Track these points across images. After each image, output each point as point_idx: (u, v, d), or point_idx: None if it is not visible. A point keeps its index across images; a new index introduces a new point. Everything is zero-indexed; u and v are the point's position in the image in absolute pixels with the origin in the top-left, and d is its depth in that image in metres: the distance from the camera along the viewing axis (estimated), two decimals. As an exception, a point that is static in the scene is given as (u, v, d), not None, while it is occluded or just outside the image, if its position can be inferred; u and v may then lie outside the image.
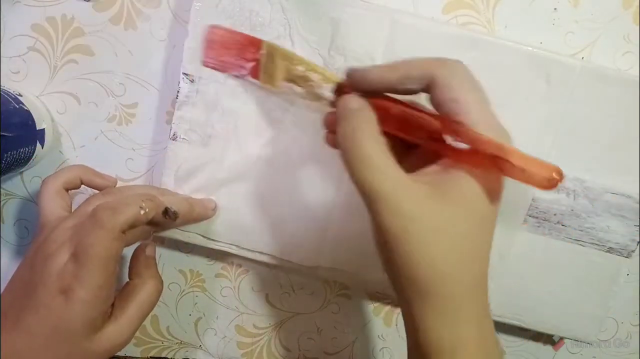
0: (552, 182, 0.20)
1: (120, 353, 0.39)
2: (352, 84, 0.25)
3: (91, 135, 0.35)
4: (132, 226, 0.25)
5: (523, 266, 0.34)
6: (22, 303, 0.25)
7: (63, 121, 0.35)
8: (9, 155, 0.30)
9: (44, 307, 0.25)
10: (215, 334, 0.39)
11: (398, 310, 0.38)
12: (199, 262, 0.38)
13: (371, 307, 0.38)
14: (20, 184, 0.36)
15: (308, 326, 0.39)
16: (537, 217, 0.33)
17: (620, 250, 0.34)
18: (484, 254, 0.23)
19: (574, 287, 0.34)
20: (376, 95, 0.24)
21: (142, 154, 0.35)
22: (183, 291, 0.38)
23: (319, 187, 0.33)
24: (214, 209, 0.33)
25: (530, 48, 0.31)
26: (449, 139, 0.22)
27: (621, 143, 0.32)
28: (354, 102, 0.24)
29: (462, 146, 0.22)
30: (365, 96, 0.24)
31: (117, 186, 0.33)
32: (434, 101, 0.23)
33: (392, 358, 0.39)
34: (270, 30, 0.31)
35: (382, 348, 0.39)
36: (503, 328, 0.38)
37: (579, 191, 0.33)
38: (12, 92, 0.32)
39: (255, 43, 0.29)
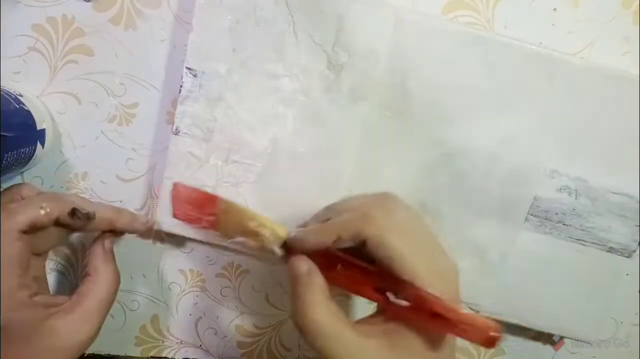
0: (490, 340, 0.21)
1: (121, 353, 0.39)
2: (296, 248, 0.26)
3: (92, 135, 0.35)
4: (34, 226, 0.26)
5: (524, 265, 0.34)
6: None
7: (63, 121, 0.35)
8: (9, 155, 0.30)
9: None
10: (215, 334, 0.39)
11: (398, 310, 0.38)
12: (200, 262, 0.38)
13: (370, 306, 0.38)
14: (21, 184, 0.36)
15: (308, 326, 0.39)
16: (538, 216, 0.33)
17: (621, 250, 0.34)
18: None
19: (574, 286, 0.34)
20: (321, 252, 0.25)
21: (143, 154, 0.35)
22: (183, 290, 0.38)
23: (321, 181, 0.33)
24: (145, 224, 0.33)
25: (533, 46, 0.31)
26: (391, 296, 0.23)
27: (623, 143, 0.32)
28: (301, 266, 0.25)
29: (404, 302, 0.23)
30: (313, 254, 0.25)
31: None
32: (372, 256, 0.24)
33: (392, 357, 0.39)
34: (274, 26, 0.31)
35: (383, 347, 0.39)
36: (503, 327, 0.38)
37: (580, 190, 0.33)
38: (12, 92, 0.32)
39: (213, 200, 0.29)
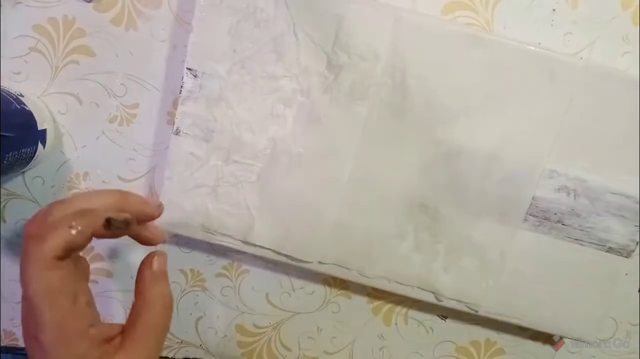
0: None
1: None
2: None
3: (92, 135, 0.35)
4: (69, 249, 0.23)
5: (523, 265, 0.34)
6: None
7: (64, 121, 0.35)
8: (10, 155, 0.30)
9: (29, 356, 0.24)
10: (215, 334, 0.39)
11: (398, 309, 0.38)
12: (200, 262, 0.38)
13: (371, 306, 0.38)
14: (22, 184, 0.36)
15: (308, 326, 0.39)
16: (537, 216, 0.33)
17: (619, 250, 0.34)
18: None
19: (573, 286, 0.34)
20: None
21: (144, 154, 0.35)
22: (184, 290, 0.38)
23: (321, 182, 0.33)
24: (159, 208, 0.30)
25: (532, 47, 0.31)
26: None
27: (622, 143, 0.32)
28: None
29: None
30: None
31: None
32: None
33: (391, 357, 0.39)
34: (274, 26, 0.31)
35: (382, 347, 0.39)
36: (502, 327, 0.38)
37: (579, 190, 0.33)
38: (13, 92, 0.32)
39: None
